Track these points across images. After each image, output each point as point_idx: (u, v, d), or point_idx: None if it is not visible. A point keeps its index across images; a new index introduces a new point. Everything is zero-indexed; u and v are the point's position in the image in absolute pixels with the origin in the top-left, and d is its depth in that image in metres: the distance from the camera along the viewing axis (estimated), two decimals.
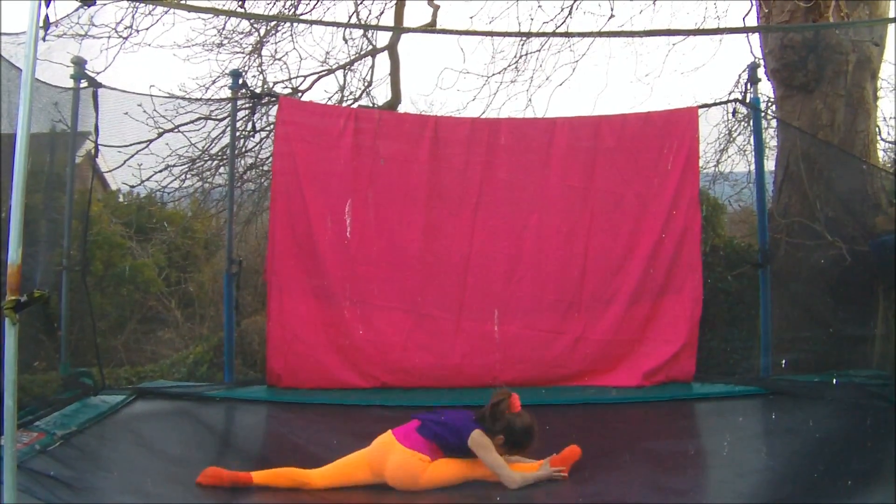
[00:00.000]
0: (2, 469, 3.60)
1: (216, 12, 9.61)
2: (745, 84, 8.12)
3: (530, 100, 11.40)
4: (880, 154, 9.14)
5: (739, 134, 9.29)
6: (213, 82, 9.77)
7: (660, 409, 7.05)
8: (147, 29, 9.57)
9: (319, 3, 10.54)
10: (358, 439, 5.95)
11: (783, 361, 7.54)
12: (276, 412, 7.14)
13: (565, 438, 5.97)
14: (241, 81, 8.41)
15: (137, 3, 9.23)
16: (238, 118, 8.77)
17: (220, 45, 10.13)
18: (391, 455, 5.03)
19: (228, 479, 5.04)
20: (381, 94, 10.79)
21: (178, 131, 8.90)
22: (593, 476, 5.32)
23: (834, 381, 6.91)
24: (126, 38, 9.44)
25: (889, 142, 9.79)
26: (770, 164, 8.71)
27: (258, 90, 9.42)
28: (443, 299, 7.80)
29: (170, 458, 5.58)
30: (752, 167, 8.45)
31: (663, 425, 6.74)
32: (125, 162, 8.57)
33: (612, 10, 10.42)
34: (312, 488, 5.02)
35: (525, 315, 7.80)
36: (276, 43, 10.53)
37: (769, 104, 9.05)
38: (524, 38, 10.87)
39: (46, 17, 4.35)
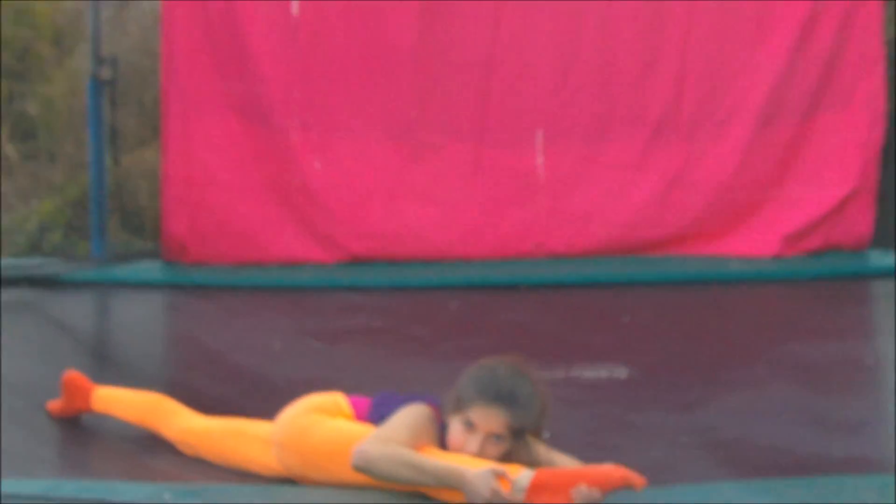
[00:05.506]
0: None
1: None
2: None
3: None
4: None
5: None
6: None
7: (814, 294, 5.61)
8: None
9: None
10: (316, 343, 5.07)
11: None
12: (178, 302, 5.75)
13: (652, 342, 4.95)
14: None
15: None
16: None
17: None
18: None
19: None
20: None
21: None
22: (702, 401, 4.14)
23: None
24: None
25: None
26: None
27: None
28: (452, 119, 6.05)
29: (6, 383, 4.07)
30: None
31: (820, 321, 5.23)
32: None
33: None
34: (168, 439, 3.41)
35: (586, 143, 6.01)
36: None
37: None
38: None
39: None
